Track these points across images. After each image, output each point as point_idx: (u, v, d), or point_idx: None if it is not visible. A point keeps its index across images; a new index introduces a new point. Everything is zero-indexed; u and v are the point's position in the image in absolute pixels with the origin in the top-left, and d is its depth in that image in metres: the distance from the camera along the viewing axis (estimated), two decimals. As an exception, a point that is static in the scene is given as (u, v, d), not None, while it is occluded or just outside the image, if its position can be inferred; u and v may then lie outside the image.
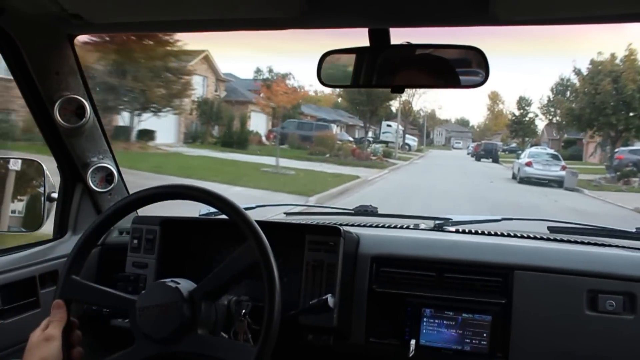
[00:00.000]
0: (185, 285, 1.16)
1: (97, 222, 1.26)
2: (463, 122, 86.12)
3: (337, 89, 33.15)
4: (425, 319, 1.50)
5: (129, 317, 1.17)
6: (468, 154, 45.57)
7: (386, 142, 35.59)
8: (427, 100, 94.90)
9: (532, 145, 37.37)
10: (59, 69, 1.55)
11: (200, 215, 1.92)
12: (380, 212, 2.03)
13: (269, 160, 15.87)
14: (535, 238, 1.73)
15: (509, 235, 1.78)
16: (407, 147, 39.00)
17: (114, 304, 1.22)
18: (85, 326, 1.26)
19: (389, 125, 40.22)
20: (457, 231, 1.82)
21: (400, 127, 39.83)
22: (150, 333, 1.13)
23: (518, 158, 23.13)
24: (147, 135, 18.11)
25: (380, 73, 1.36)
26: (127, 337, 1.19)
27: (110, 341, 1.43)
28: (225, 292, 1.25)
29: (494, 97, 74.57)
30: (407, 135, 42.27)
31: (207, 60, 26.23)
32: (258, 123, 28.16)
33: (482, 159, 34.59)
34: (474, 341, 1.47)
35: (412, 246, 1.61)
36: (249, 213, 1.20)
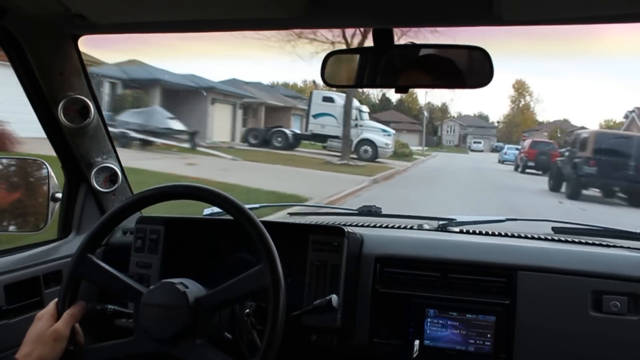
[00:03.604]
0: (193, 290, 1.16)
1: (104, 220, 1.27)
2: (481, 117, 65.13)
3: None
4: (429, 320, 1.50)
5: (133, 308, 1.18)
6: (501, 161, 27.22)
7: (323, 137, 20.02)
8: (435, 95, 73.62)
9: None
10: (63, 69, 1.56)
11: (204, 215, 1.92)
12: (384, 212, 2.02)
13: None
14: (539, 239, 1.73)
15: (513, 236, 1.77)
16: (366, 149, 19.02)
17: (121, 290, 1.22)
18: (88, 326, 1.26)
19: (328, 100, 20.05)
20: (461, 231, 1.82)
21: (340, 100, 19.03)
22: (149, 331, 1.14)
23: None
24: None
25: (384, 73, 1.36)
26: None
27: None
28: (230, 306, 1.26)
29: (520, 88, 59.13)
30: (372, 125, 20.47)
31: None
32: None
33: (584, 191, 12.12)
34: (477, 342, 1.47)
35: (416, 246, 1.61)
36: (253, 213, 1.20)
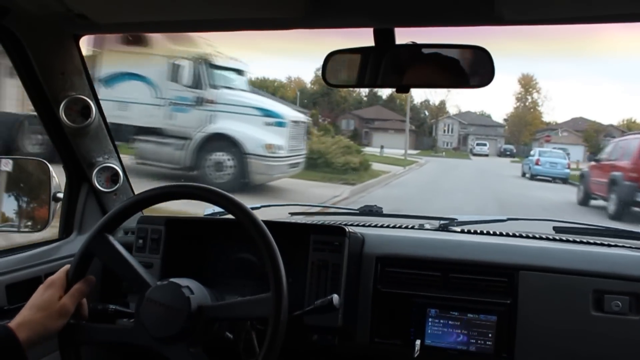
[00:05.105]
0: (198, 296, 1.16)
1: (106, 218, 1.26)
2: (484, 117, 54.12)
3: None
4: (430, 319, 1.50)
5: (136, 299, 1.18)
6: (529, 176, 18.20)
7: (123, 133, 8.66)
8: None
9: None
10: (64, 69, 1.56)
11: (205, 215, 1.92)
12: (385, 212, 2.02)
13: None
14: (540, 238, 1.73)
15: (514, 236, 1.77)
16: (220, 162, 8.33)
17: (130, 277, 1.21)
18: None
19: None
20: (462, 231, 1.82)
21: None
22: (147, 327, 1.14)
23: None
24: None
25: (385, 73, 1.36)
26: None
27: None
28: (231, 322, 1.26)
29: (527, 84, 50.61)
30: (241, 102, 8.55)
31: None
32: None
33: None
34: (479, 341, 1.47)
35: (417, 246, 1.61)
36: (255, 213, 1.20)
